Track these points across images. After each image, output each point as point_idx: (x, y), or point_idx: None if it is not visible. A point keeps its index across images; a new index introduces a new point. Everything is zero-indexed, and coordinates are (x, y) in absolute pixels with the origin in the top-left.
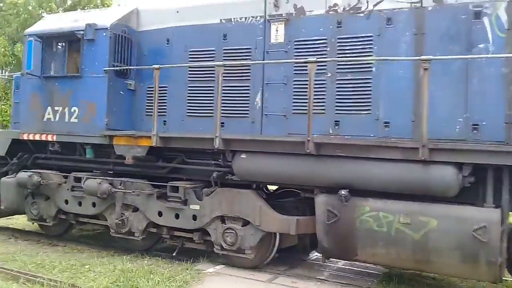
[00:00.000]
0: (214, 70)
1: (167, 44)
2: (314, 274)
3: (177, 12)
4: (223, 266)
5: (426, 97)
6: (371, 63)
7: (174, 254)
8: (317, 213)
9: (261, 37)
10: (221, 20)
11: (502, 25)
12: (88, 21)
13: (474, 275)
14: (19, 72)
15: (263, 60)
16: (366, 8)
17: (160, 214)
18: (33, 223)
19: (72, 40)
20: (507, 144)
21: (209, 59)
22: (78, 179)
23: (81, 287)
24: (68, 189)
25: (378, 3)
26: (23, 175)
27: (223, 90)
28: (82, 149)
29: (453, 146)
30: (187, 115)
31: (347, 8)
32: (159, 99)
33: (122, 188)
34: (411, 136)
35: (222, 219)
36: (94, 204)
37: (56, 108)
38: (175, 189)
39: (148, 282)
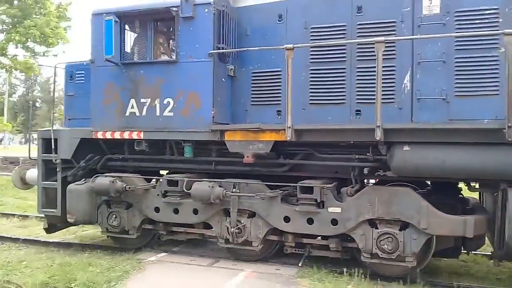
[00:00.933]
0: (345, 49)
1: (279, 20)
2: None
3: None
4: (166, 254)
5: None
6: None
7: (300, 264)
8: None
9: (408, 8)
10: None
11: None
12: None
13: None
14: (81, 60)
15: (413, 35)
16: None
17: (287, 219)
18: (108, 237)
19: (161, 19)
20: None
21: (339, 37)
22: (173, 183)
23: (17, 283)
24: (158, 195)
25: None
26: (103, 180)
27: (358, 72)
28: (176, 148)
29: None
30: (310, 103)
31: None
32: (272, 86)
33: (238, 191)
34: None
35: (371, 223)
36: (196, 211)
37: (142, 100)
38: (308, 189)
39: (86, 274)
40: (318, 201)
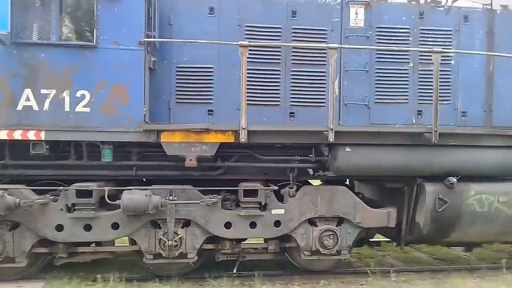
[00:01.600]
0: (280, 51)
1: (210, 13)
2: None
3: None
4: None
5: None
6: (451, 56)
7: (234, 272)
8: (426, 202)
9: (338, 19)
10: None
11: None
12: None
13: None
14: None
15: (341, 44)
16: (446, 3)
17: (228, 225)
18: None
19: None
20: None
21: (274, 38)
22: (85, 193)
23: None
24: (62, 209)
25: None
26: None
27: (292, 75)
28: (87, 151)
29: None
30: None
31: (428, 0)
32: (203, 84)
33: (175, 198)
34: (483, 124)
35: (310, 221)
36: (116, 226)
37: (43, 91)
38: (250, 192)
39: None
40: (263, 203)
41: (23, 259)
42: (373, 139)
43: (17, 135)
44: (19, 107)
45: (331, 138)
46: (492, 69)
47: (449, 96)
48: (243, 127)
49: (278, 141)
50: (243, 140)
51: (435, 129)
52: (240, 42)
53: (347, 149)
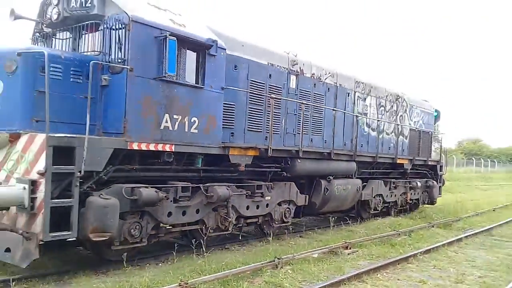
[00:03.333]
0: (263, 98)
1: (235, 69)
2: None
3: (242, 46)
4: None
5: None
6: (322, 108)
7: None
8: (320, 190)
9: (286, 82)
10: (268, 62)
11: None
12: (210, 35)
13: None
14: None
15: (286, 98)
16: (323, 80)
17: (247, 208)
18: (123, 249)
19: (196, 49)
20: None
21: (262, 90)
22: (185, 189)
23: None
24: (171, 201)
25: (325, 78)
26: (149, 192)
27: (267, 113)
28: (188, 159)
29: (346, 152)
30: (247, 129)
31: (316, 77)
32: (229, 115)
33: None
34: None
35: (279, 203)
36: (198, 211)
37: (175, 116)
38: (258, 187)
39: None
40: (264, 193)
41: (145, 240)
42: (309, 155)
43: (160, 147)
44: (162, 127)
45: (301, 154)
46: (335, 116)
47: (321, 130)
48: (271, 147)
49: (280, 155)
50: (270, 154)
51: (333, 150)
52: (270, 94)
53: (298, 161)
